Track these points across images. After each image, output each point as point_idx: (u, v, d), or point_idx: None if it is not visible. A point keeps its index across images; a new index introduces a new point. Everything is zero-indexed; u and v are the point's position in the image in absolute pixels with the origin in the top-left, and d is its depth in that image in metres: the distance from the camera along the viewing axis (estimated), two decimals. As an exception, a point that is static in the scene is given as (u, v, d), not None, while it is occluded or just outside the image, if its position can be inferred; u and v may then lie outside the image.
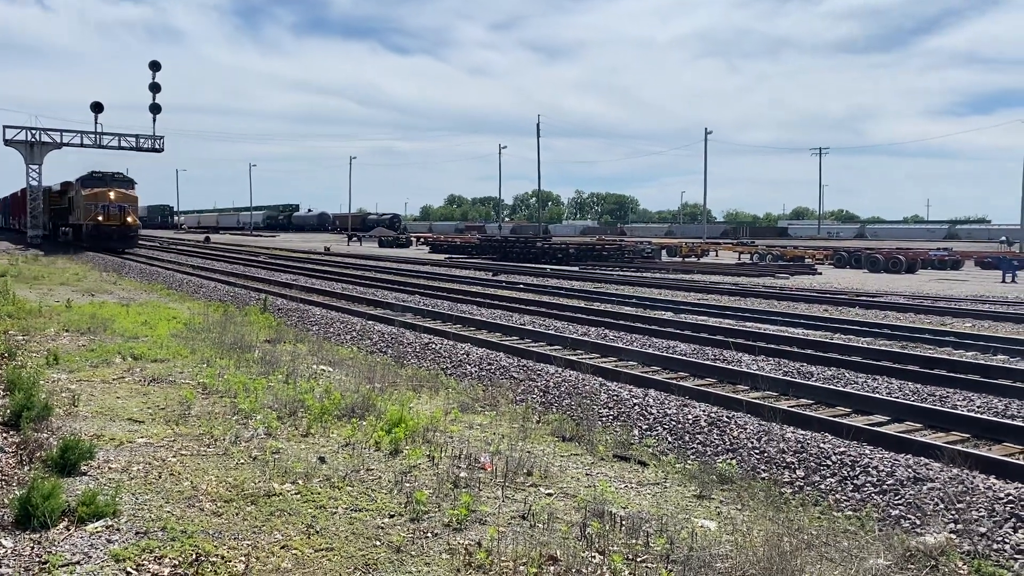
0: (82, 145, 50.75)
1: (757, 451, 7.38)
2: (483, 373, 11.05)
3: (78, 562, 4.26)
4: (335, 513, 5.13)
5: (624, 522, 5.13)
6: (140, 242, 51.39)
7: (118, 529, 4.69)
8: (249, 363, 10.19)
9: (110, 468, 5.83)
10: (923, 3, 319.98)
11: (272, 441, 6.69)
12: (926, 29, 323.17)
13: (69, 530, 4.65)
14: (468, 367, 11.47)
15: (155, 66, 50.42)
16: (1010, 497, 5.83)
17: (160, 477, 5.68)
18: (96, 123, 50.71)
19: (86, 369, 9.59)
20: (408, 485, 5.66)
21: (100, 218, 43.98)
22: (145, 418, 7.38)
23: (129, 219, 45.16)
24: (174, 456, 6.20)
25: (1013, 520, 5.56)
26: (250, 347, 11.39)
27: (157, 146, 52.07)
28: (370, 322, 15.56)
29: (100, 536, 4.58)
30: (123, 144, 51.68)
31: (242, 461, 6.12)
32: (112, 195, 44.69)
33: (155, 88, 50.63)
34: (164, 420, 7.30)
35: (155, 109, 51.30)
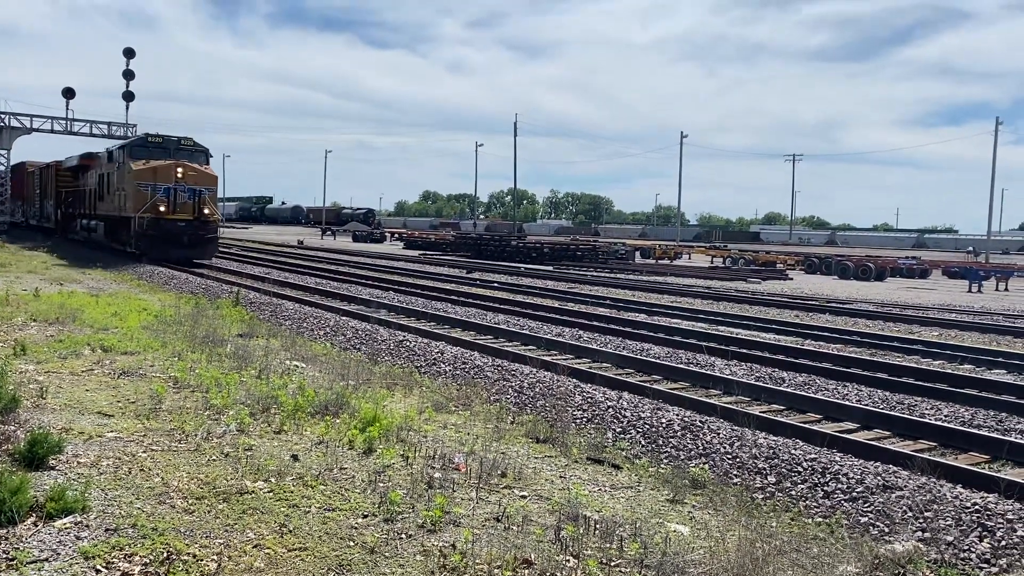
0: (52, 131, 49.93)
1: (729, 456, 7.43)
2: (457, 372, 11.02)
3: (46, 559, 4.19)
4: (308, 512, 5.09)
5: (598, 526, 5.15)
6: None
7: (87, 526, 4.62)
8: (221, 357, 10.09)
9: (79, 463, 5.74)
10: (896, 14, 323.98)
11: (244, 438, 6.63)
12: (899, 40, 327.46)
13: (37, 526, 4.57)
14: (442, 366, 11.43)
15: (129, 53, 49.79)
16: (976, 506, 5.92)
17: (130, 473, 5.60)
18: (67, 109, 49.91)
19: (54, 360, 9.43)
20: (382, 485, 5.63)
21: (162, 208, 27.68)
22: (115, 412, 7.27)
23: (207, 211, 28.53)
24: (144, 451, 6.12)
25: (979, 529, 5.65)
26: (222, 341, 11.27)
27: (129, 134, 51.39)
28: (344, 318, 15.47)
29: (69, 533, 4.51)
30: (95, 131, 50.95)
31: (214, 458, 6.06)
32: (181, 172, 28.11)
33: (129, 75, 50.01)
34: (134, 414, 7.20)
35: (128, 96, 50.68)
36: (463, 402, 9.01)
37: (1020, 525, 5.62)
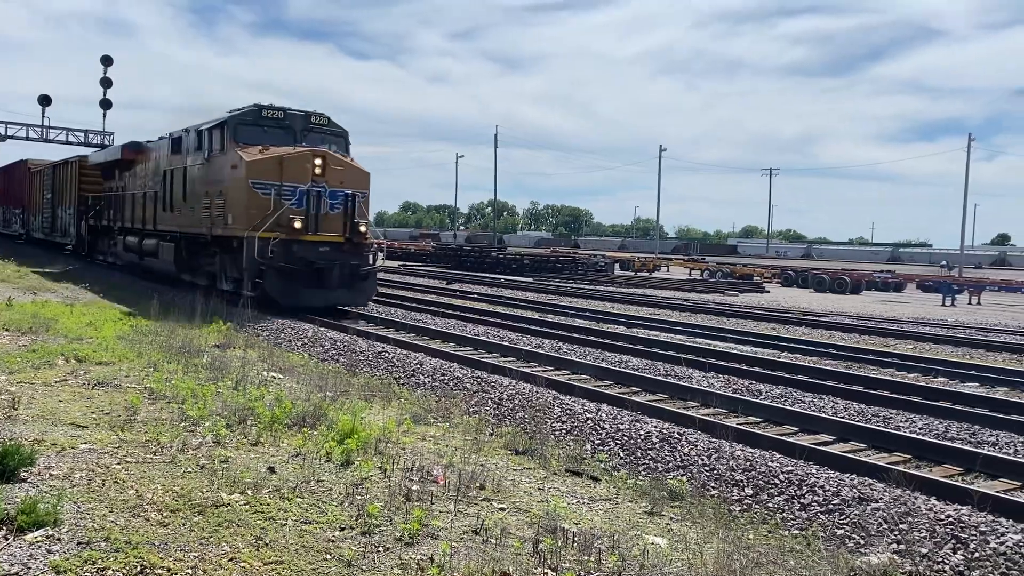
0: (27, 139, 49.30)
1: (707, 468, 7.45)
2: (436, 384, 10.99)
3: (16, 573, 4.12)
4: (285, 525, 5.05)
5: (576, 538, 5.14)
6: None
7: (59, 539, 4.55)
8: (197, 368, 10.00)
9: (51, 475, 5.66)
10: (872, 31, 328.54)
11: (221, 449, 6.57)
12: (875, 56, 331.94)
13: (7, 539, 4.50)
14: (421, 377, 11.39)
15: (107, 61, 49.34)
16: (950, 518, 5.98)
17: (104, 485, 5.53)
18: (43, 116, 49.31)
19: (27, 371, 9.31)
20: (360, 497, 5.60)
21: (298, 225, 16.83)
22: (89, 423, 7.18)
23: (362, 228, 17.75)
24: (119, 463, 6.05)
25: (953, 541, 5.70)
26: (199, 351, 11.18)
27: (107, 142, 50.90)
28: (322, 328, 15.38)
29: (40, 546, 4.44)
30: (71, 139, 50.36)
31: (189, 470, 6.00)
32: (321, 166, 17.35)
33: (106, 83, 49.53)
34: (109, 425, 7.12)
35: (106, 104, 50.16)
36: (442, 414, 8.99)
37: (993, 537, 5.67)
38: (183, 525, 4.92)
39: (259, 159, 16.99)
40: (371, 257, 18.27)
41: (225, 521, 5.01)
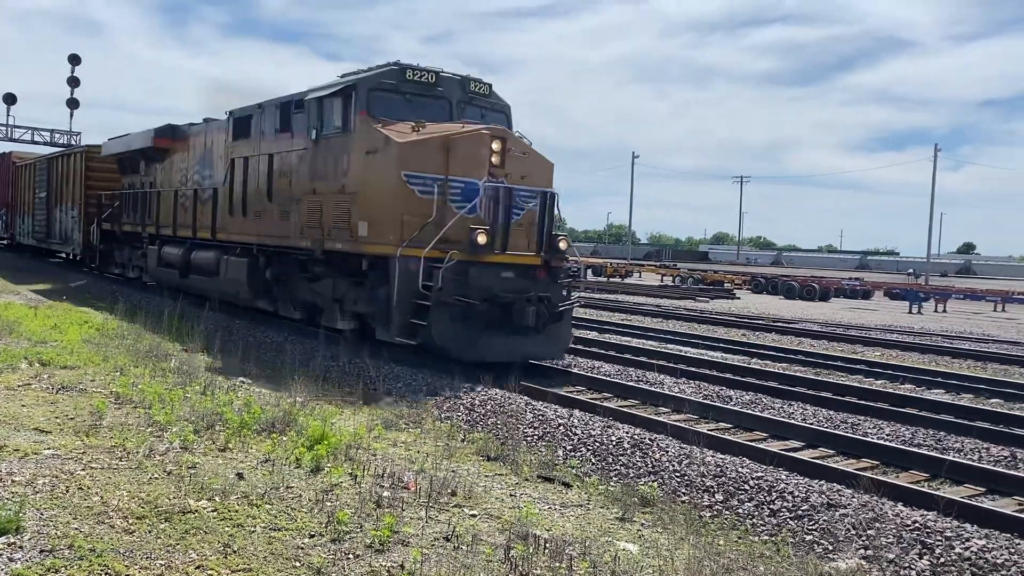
0: (-9, 137, 48.27)
1: (678, 474, 7.48)
2: (408, 389, 10.92)
3: (-24, 582, 4.03)
4: (253, 532, 4.99)
5: (548, 544, 5.13)
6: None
7: (21, 547, 4.46)
8: (165, 372, 9.87)
9: (14, 481, 5.55)
10: (841, 41, 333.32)
11: (188, 455, 6.48)
12: (844, 66, 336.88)
13: (-33, 548, 4.40)
14: (392, 382, 11.32)
15: (74, 60, 48.62)
16: (917, 524, 6.04)
17: (68, 492, 5.43)
18: (8, 115, 48.47)
19: (-11, 374, 9.11)
20: (330, 504, 5.55)
21: (481, 240, 11.15)
22: (53, 428, 7.06)
23: (561, 244, 12.10)
24: (83, 469, 5.94)
25: (919, 547, 5.76)
26: (166, 355, 11.03)
27: (73, 142, 50.15)
28: (292, 335, 15.22)
29: (1, 555, 4.35)
30: (36, 139, 49.50)
31: (156, 476, 5.91)
32: (498, 152, 11.57)
33: (73, 82, 48.80)
34: (73, 431, 7.00)
35: (73, 104, 49.40)
36: (413, 420, 8.95)
37: (958, 542, 5.75)
38: (149, 532, 4.84)
39: (416, 140, 11.40)
40: (568, 287, 12.44)
41: (192, 528, 4.94)
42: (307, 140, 13.13)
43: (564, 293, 12.27)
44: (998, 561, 5.51)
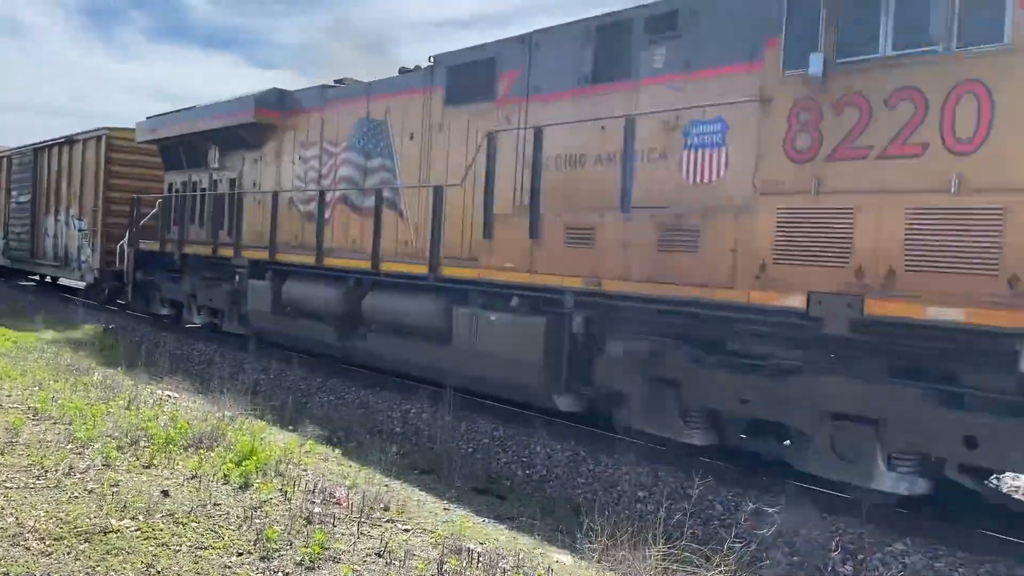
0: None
1: (611, 485, 7.54)
2: (341, 403, 10.79)
3: None
4: (178, 551, 4.85)
5: (481, 558, 5.11)
6: None
7: (-72, 572, 4.24)
8: (87, 387, 9.55)
9: (-79, 503, 5.28)
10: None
11: (110, 473, 6.27)
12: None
13: None
14: (323, 395, 11.18)
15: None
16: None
17: (-20, 513, 5.19)
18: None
19: None
20: (258, 521, 5.43)
21: None
22: (-36, 446, 6.74)
23: None
24: (-3, 489, 5.69)
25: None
26: (88, 369, 10.68)
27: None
28: (223, 346, 14.90)
29: (-94, 580, 4.13)
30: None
31: (76, 495, 5.70)
32: None
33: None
34: (-13, 449, 6.69)
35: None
36: (346, 434, 8.84)
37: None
38: (67, 554, 4.66)
39: None
40: None
41: (114, 548, 4.78)
42: (797, 80, 6.54)
43: None
44: None
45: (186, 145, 15.58)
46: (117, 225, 17.64)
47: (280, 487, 6.25)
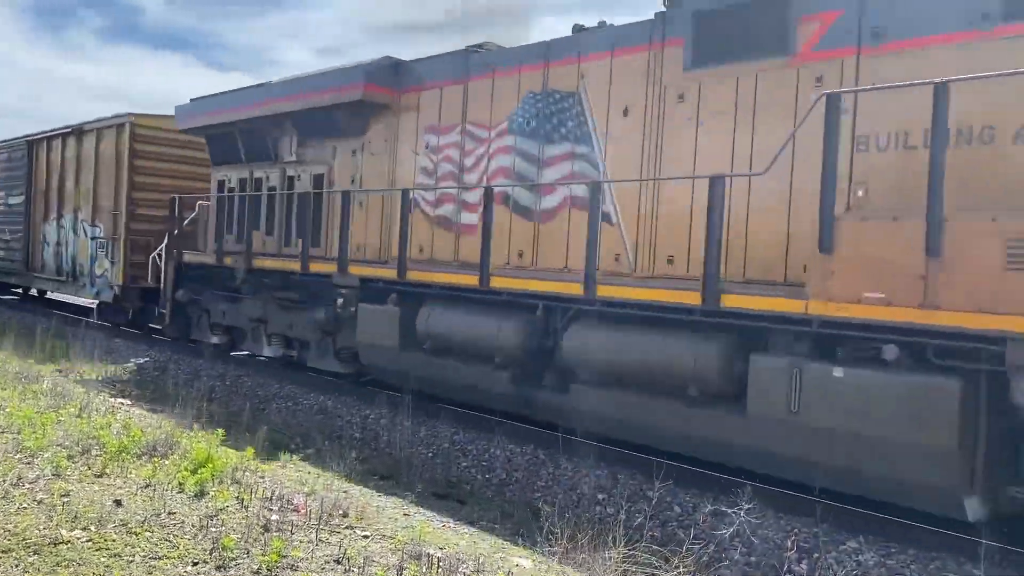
0: None
1: (571, 488, 7.57)
2: (299, 409, 10.69)
3: None
4: (132, 562, 4.76)
5: (441, 563, 5.09)
6: None
7: None
8: (37, 395, 9.32)
9: None
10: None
11: (61, 482, 6.13)
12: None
13: None
14: (281, 402, 11.06)
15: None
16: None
17: (-77, 526, 5.04)
18: None
19: None
20: (214, 530, 5.35)
21: None
22: (-93, 457, 6.53)
23: None
24: (-58, 501, 5.53)
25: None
26: (38, 377, 10.43)
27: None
28: (177, 354, 14.67)
29: None
30: None
31: (25, 505, 5.56)
32: None
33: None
34: (-69, 460, 6.50)
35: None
36: (304, 440, 8.75)
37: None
38: (16, 566, 4.55)
39: None
40: None
41: (64, 560, 4.67)
42: None
43: None
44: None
45: (247, 133, 12.74)
46: (144, 232, 15.02)
47: (237, 495, 6.16)
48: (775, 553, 6.01)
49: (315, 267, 10.77)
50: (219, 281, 12.79)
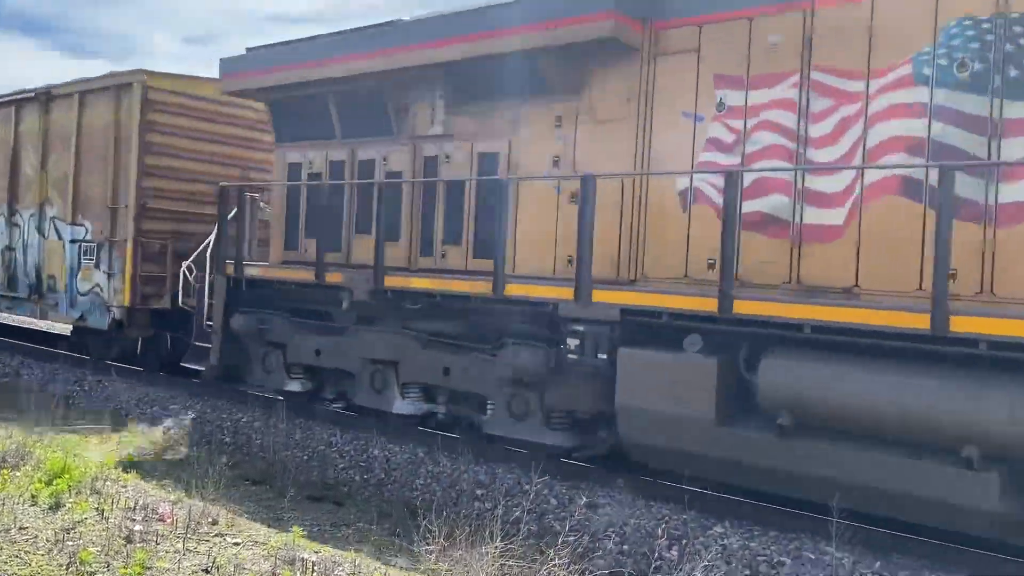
0: None
1: (451, 485, 7.57)
2: (165, 415, 10.24)
3: None
4: (-23, 582, 4.44)
5: (316, 567, 5.00)
6: None
7: None
8: None
9: None
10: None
11: None
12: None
13: None
14: (145, 407, 10.57)
15: None
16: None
17: None
18: None
19: None
20: (71, 543, 5.06)
21: None
22: None
23: None
24: None
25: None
26: None
27: None
28: (28, 358, 13.78)
29: None
30: None
31: None
32: None
33: None
34: None
35: None
36: (169, 447, 8.40)
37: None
38: None
39: None
40: None
41: (-102, 584, 4.31)
42: None
43: None
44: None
45: (347, 96, 9.24)
46: (158, 233, 11.35)
47: (96, 506, 5.85)
48: (647, 541, 6.20)
49: (516, 290, 7.39)
50: (285, 302, 9.52)
